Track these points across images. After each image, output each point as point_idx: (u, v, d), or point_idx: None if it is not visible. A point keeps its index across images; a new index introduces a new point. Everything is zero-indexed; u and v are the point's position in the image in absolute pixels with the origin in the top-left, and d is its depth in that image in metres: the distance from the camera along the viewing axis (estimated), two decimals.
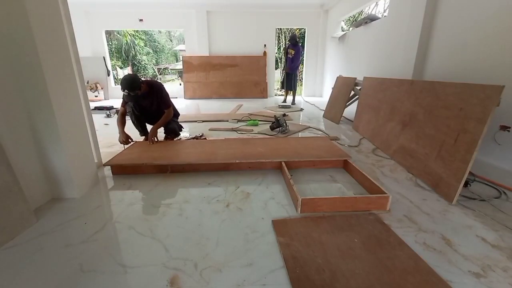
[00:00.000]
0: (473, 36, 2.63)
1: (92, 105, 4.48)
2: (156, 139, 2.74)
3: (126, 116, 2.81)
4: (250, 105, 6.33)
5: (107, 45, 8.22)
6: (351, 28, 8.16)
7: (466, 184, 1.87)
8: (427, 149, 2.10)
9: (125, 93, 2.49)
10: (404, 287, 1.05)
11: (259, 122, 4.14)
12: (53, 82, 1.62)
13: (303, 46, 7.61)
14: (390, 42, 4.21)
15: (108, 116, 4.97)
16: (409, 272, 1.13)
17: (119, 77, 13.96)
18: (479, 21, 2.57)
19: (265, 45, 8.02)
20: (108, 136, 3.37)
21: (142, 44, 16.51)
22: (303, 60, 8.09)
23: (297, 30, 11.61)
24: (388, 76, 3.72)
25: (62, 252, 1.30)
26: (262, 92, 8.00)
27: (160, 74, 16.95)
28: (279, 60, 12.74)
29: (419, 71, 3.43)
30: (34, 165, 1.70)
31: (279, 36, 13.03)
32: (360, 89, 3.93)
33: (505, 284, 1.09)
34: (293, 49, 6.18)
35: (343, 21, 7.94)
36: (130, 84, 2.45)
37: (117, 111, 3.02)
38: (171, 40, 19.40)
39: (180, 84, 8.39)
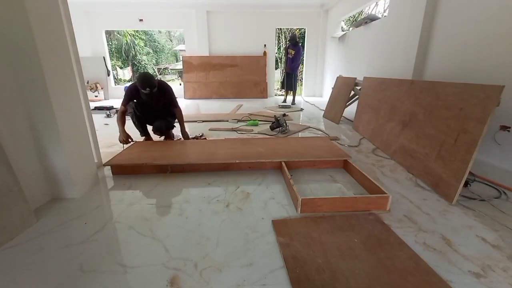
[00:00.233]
0: (473, 36, 2.63)
1: (92, 105, 4.48)
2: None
3: (126, 116, 2.81)
4: (250, 105, 6.33)
5: (107, 45, 8.22)
6: (351, 28, 8.16)
7: (466, 184, 1.87)
8: (427, 149, 2.10)
9: (146, 92, 2.51)
10: (404, 287, 1.05)
11: (259, 122, 4.14)
12: (53, 82, 1.62)
13: (303, 46, 7.61)
14: (390, 42, 4.21)
15: (108, 116, 4.98)
16: (409, 272, 1.13)
17: (119, 77, 13.97)
18: (479, 21, 2.57)
19: (265, 45, 8.02)
20: (108, 136, 3.37)
21: (142, 44, 16.51)
22: (303, 60, 8.09)
23: (297, 30, 11.60)
24: (388, 76, 3.72)
25: (62, 252, 1.30)
26: (262, 92, 8.00)
27: (160, 74, 16.93)
28: (279, 60, 12.74)
29: (419, 71, 3.43)
30: (34, 165, 1.70)
31: (279, 36, 13.02)
32: (360, 89, 3.93)
33: (505, 284, 1.09)
34: (293, 49, 6.18)
35: (343, 21, 7.94)
36: (150, 81, 2.52)
37: (117, 111, 3.03)
38: (171, 40, 19.40)
39: (180, 84, 8.39)
